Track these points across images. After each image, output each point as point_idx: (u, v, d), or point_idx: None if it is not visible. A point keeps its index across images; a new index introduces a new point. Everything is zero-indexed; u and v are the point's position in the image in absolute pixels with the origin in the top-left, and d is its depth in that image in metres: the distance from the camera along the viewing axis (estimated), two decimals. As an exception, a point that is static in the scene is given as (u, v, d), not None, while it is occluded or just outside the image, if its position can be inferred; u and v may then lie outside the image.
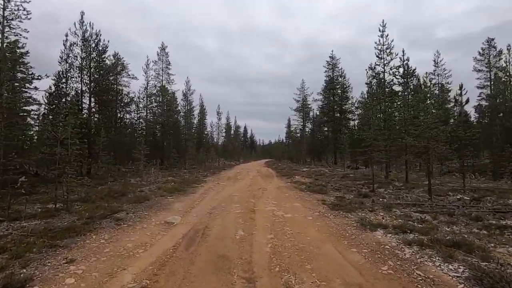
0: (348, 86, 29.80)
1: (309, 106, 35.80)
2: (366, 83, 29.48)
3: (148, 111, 29.64)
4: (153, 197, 9.33)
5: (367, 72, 30.33)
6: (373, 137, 10.68)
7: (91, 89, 17.97)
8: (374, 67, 14.35)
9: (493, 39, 27.86)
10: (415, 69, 12.01)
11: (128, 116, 29.09)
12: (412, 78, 12.29)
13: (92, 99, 19.08)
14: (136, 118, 28.19)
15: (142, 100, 28.68)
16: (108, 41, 18.73)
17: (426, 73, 9.45)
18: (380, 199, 9.25)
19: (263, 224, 6.09)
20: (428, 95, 8.70)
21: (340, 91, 30.23)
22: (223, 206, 8.01)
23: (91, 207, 7.09)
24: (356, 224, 6.19)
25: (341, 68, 30.33)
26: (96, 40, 18.33)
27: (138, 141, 25.95)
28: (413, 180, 14.30)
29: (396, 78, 11.86)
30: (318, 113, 38.75)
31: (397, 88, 14.69)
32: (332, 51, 31.16)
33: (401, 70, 11.89)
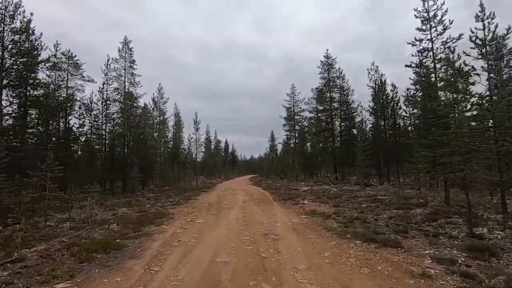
0: (348, 89, 25.78)
1: (300, 114, 31.44)
2: (370, 86, 25.89)
3: (106, 120, 23.63)
4: (18, 289, 3.80)
5: (369, 73, 26.79)
6: (469, 136, 5.91)
7: (2, 80, 12.12)
8: (418, 43, 10.04)
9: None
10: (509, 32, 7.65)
11: (76, 125, 23.00)
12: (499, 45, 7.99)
13: (10, 98, 13.19)
14: (78, 126, 21.89)
15: (96, 105, 22.64)
16: (32, 14, 13.08)
17: None
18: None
19: None
20: None
21: (338, 95, 26.08)
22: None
23: None
24: None
25: (339, 69, 26.38)
26: (10, 14, 12.68)
27: (74, 159, 20.03)
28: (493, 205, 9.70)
29: (476, 46, 7.45)
30: (307, 124, 34.52)
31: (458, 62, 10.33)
32: (327, 50, 27.24)
33: (479, 33, 7.56)
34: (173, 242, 6.17)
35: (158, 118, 37.10)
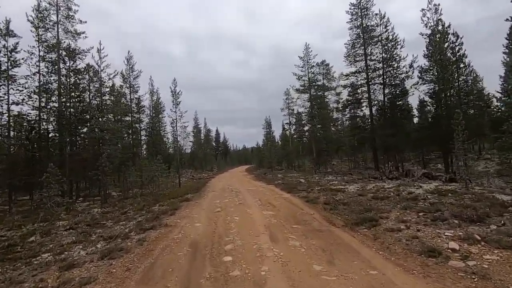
0: (395, 41, 17.77)
1: (317, 83, 23.52)
2: (425, 34, 18.06)
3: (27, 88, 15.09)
4: None
5: (424, 15, 18.77)
6: None
7: None
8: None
9: None
10: None
11: None
12: None
13: None
14: None
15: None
16: None
17: None
18: None
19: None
20: None
21: (379, 50, 18.27)
22: None
23: None
24: None
25: (379, 13, 18.42)
26: None
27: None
28: None
29: None
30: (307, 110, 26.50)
31: None
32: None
33: None
34: None
35: (129, 96, 28.78)
